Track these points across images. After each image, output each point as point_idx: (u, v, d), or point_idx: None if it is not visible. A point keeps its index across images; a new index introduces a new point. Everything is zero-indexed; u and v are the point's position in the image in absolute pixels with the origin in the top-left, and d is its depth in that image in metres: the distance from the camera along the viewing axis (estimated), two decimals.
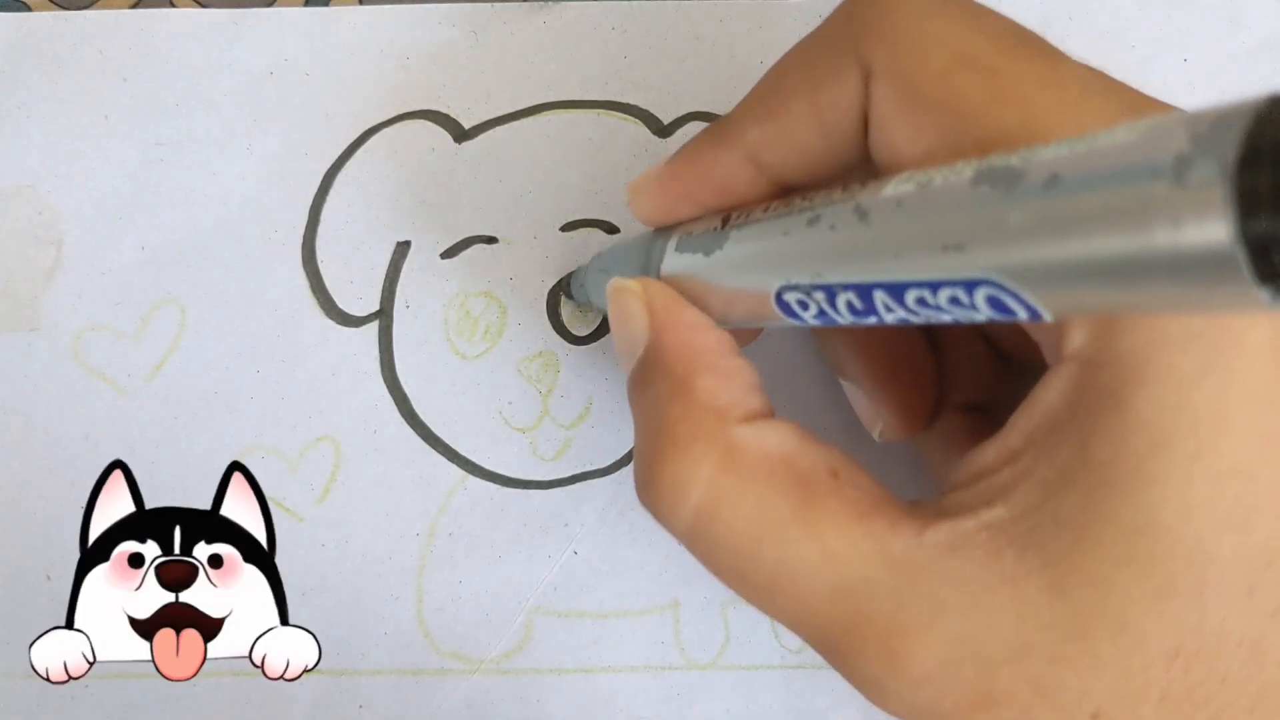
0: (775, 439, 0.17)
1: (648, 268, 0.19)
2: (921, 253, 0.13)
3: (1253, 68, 0.26)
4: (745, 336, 0.22)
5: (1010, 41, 0.16)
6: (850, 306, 0.14)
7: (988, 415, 0.22)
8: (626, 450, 0.26)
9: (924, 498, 0.17)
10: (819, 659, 0.16)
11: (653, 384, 0.17)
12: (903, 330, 0.22)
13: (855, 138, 0.17)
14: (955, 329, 0.22)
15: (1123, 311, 0.13)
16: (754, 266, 0.16)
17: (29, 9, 0.26)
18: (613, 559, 0.26)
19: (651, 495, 0.17)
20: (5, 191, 0.26)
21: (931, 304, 0.13)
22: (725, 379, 0.17)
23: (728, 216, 0.18)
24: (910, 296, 0.13)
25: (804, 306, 0.15)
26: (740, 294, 0.17)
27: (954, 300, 0.13)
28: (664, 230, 0.19)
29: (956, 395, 0.22)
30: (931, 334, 0.22)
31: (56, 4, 0.26)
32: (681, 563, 0.25)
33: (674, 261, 0.18)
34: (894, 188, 0.14)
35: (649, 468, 0.17)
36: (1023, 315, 0.12)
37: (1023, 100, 0.15)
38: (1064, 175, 0.11)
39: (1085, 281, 0.11)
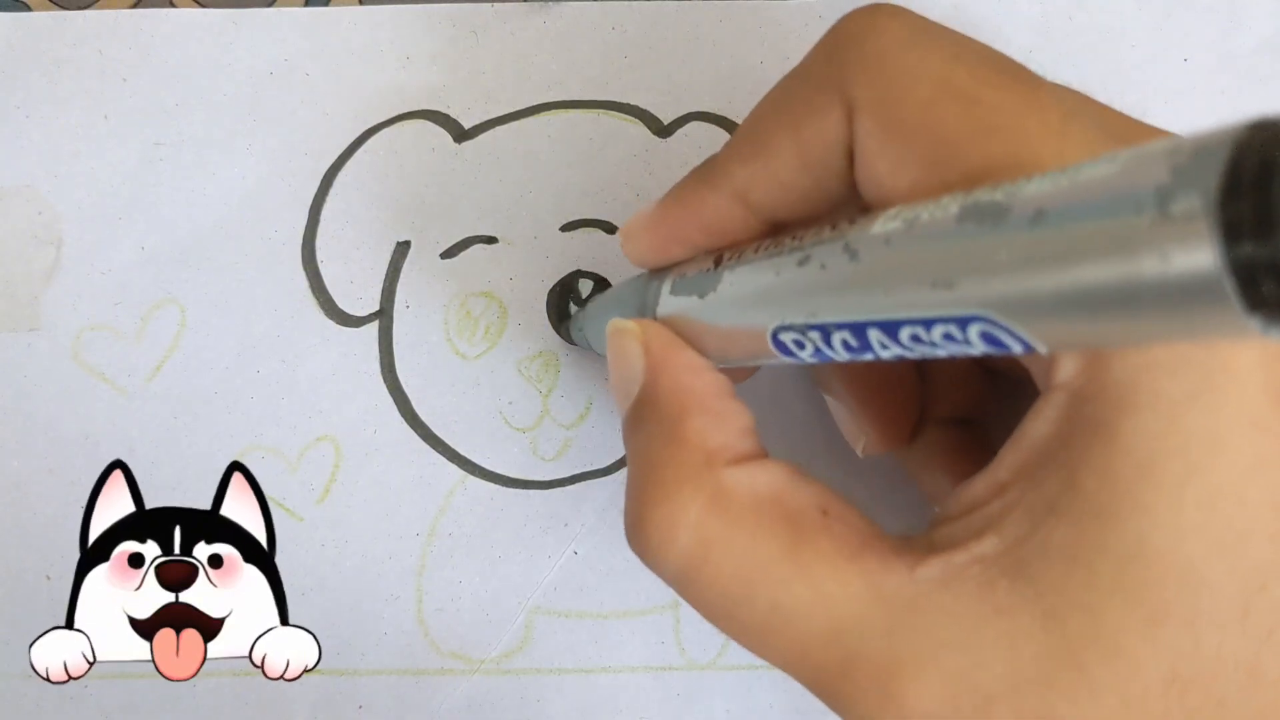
0: (765, 479, 0.17)
1: (644, 310, 0.19)
2: (912, 290, 0.13)
3: (1253, 68, 0.26)
4: (740, 374, 0.22)
5: (991, 71, 0.16)
6: (846, 345, 0.14)
7: (972, 429, 0.22)
8: None
9: (916, 530, 0.17)
10: None
11: (645, 425, 0.17)
12: None
13: (841, 173, 0.17)
14: None
15: (1116, 343, 0.13)
16: (748, 307, 0.16)
17: (29, 9, 0.26)
18: (613, 559, 0.26)
19: (640, 539, 0.17)
20: (5, 191, 0.26)
21: (926, 340, 0.13)
22: (717, 421, 0.17)
23: (720, 257, 0.18)
24: (904, 334, 0.13)
25: (800, 346, 0.15)
26: (736, 334, 0.17)
27: (948, 336, 0.13)
28: (659, 272, 0.20)
29: (940, 409, 0.22)
30: None
31: (56, 4, 0.26)
32: None
33: (669, 304, 0.18)
34: (881, 225, 0.14)
35: (637, 511, 0.17)
36: (1017, 349, 0.12)
37: (1005, 129, 0.15)
38: (1049, 210, 0.11)
39: (1077, 315, 0.11)
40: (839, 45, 0.16)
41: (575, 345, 0.25)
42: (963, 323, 0.12)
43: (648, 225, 0.19)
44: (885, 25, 0.16)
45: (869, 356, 0.14)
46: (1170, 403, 0.14)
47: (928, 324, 0.13)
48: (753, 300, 0.16)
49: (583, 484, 0.26)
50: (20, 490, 0.26)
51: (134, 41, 0.26)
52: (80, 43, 0.26)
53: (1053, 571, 0.14)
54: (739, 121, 0.26)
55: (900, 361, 0.22)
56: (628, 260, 0.20)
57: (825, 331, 0.15)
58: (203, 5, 0.26)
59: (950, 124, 0.15)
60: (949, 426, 0.22)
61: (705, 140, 0.26)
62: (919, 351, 0.13)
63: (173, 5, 0.26)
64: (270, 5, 0.26)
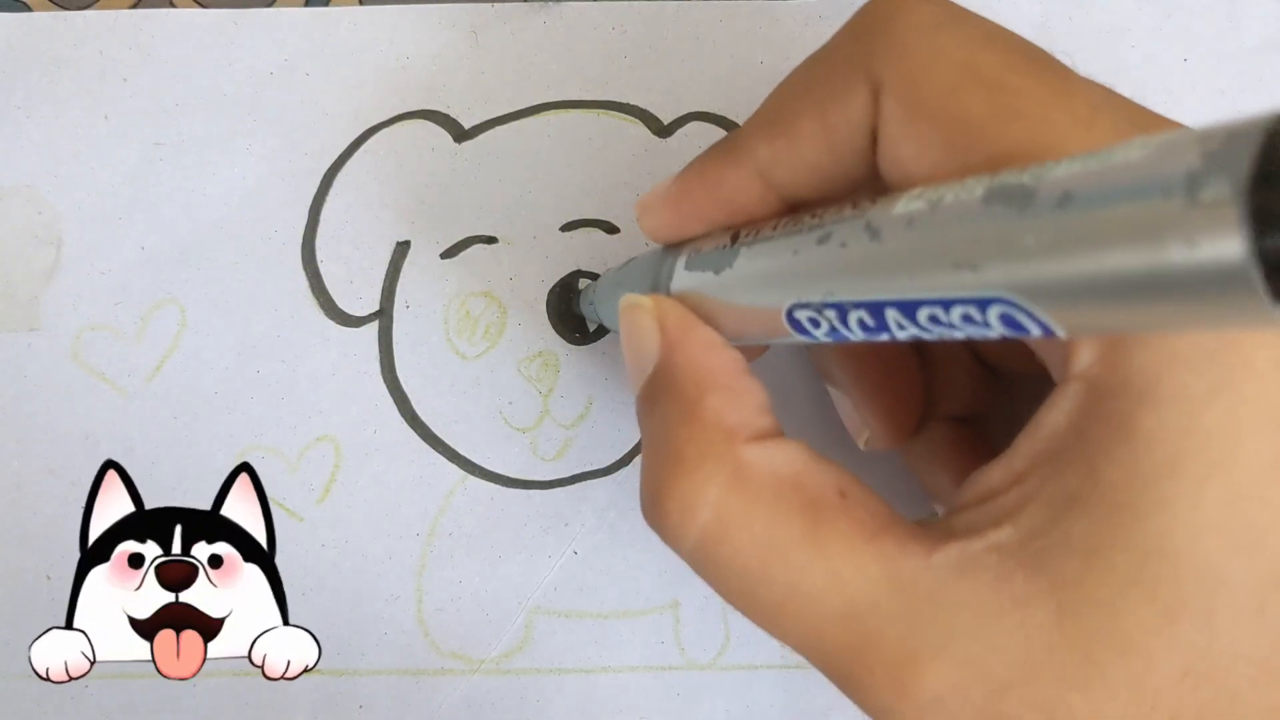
0: (783, 459, 0.16)
1: (658, 286, 0.19)
2: (934, 271, 0.13)
3: (1253, 68, 0.26)
4: (752, 352, 0.22)
5: (1019, 57, 0.16)
6: (862, 324, 0.14)
7: (974, 426, 0.22)
8: (626, 450, 0.26)
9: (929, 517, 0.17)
10: None
11: (662, 403, 0.17)
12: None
13: (864, 154, 0.17)
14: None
15: (1138, 329, 0.13)
16: (764, 284, 0.16)
17: (29, 9, 0.26)
18: (613, 559, 0.26)
19: (658, 515, 0.17)
20: (5, 191, 0.26)
21: (944, 321, 0.13)
22: (735, 399, 0.17)
23: (737, 234, 0.17)
24: (923, 314, 0.13)
25: (815, 324, 0.15)
26: (751, 311, 0.17)
27: (967, 318, 0.13)
28: (673, 248, 0.19)
29: (943, 406, 0.22)
30: (919, 345, 0.22)
31: (56, 4, 0.26)
32: (682, 563, 0.25)
33: (684, 279, 0.18)
34: (905, 205, 0.14)
35: (656, 487, 0.17)
36: (1036, 332, 0.12)
37: (1031, 116, 0.15)
38: (1077, 193, 0.11)
39: (1100, 299, 0.11)
40: (866, 27, 0.16)
41: (577, 345, 0.25)
42: (982, 304, 0.12)
43: (666, 199, 0.19)
44: (913, 8, 0.16)
45: (885, 336, 0.14)
46: (1192, 399, 0.14)
47: (946, 305, 0.13)
48: (769, 278, 0.16)
49: (583, 484, 0.26)
50: (20, 490, 0.26)
51: (134, 41, 0.26)
52: (80, 43, 0.26)
53: (1070, 564, 0.14)
54: (739, 122, 0.26)
55: (909, 346, 0.22)
56: (643, 234, 0.20)
57: (842, 310, 0.14)
58: (203, 5, 0.26)
59: (975, 108, 0.15)
60: (951, 423, 0.22)
61: (705, 140, 0.26)
62: (936, 333, 0.13)
63: (173, 5, 0.26)
64: (270, 5, 0.26)
